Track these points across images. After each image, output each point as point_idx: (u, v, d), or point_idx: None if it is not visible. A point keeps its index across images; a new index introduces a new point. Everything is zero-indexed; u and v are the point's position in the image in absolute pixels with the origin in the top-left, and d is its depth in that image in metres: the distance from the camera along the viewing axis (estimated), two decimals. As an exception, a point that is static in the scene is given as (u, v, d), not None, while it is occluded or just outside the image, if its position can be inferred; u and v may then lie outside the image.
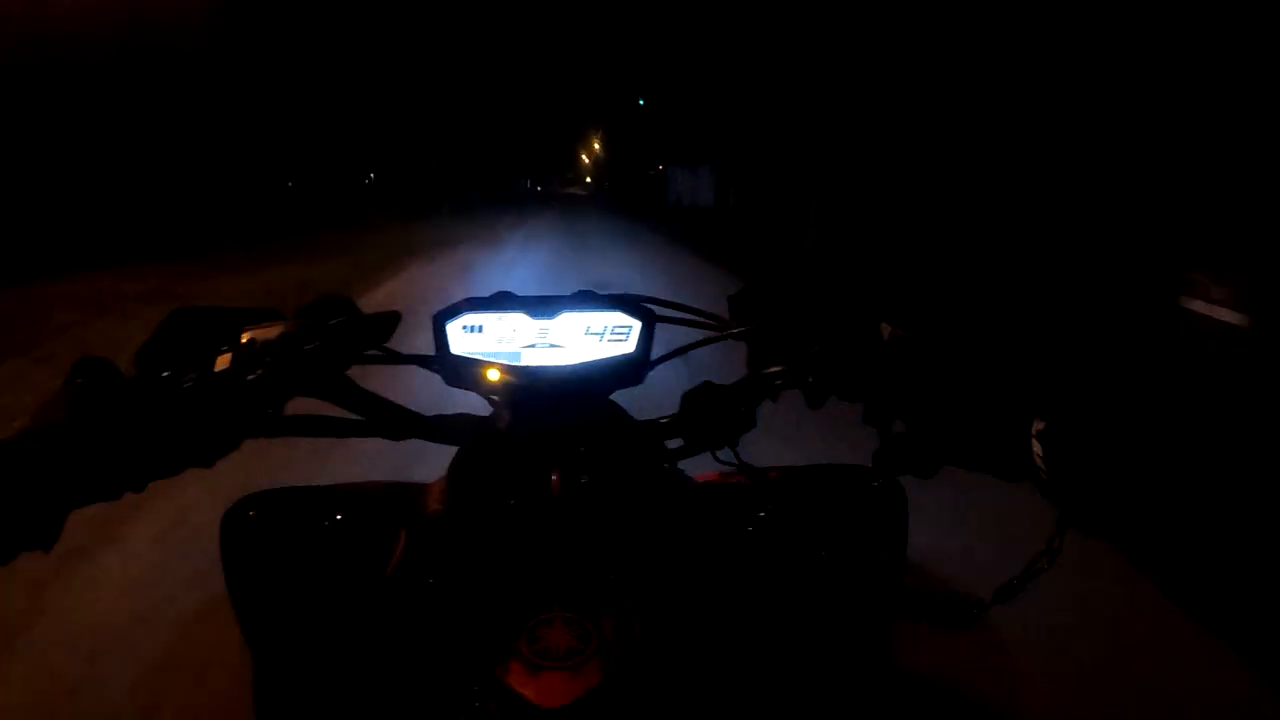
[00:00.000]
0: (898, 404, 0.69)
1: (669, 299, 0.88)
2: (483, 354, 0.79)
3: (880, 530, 0.81)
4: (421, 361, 0.83)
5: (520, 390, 0.78)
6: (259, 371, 0.66)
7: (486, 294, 0.81)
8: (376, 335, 0.80)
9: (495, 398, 0.82)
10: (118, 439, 0.56)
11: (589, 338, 0.80)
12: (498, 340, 0.80)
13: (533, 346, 0.80)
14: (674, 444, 0.83)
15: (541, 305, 0.80)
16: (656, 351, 0.83)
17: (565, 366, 0.79)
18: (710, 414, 0.78)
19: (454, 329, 0.79)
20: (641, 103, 46.31)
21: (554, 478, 0.72)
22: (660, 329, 0.84)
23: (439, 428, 0.83)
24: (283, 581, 0.74)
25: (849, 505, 0.81)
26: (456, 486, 0.77)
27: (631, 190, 51.27)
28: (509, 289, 0.82)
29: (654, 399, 0.96)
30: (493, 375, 0.78)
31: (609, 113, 73.67)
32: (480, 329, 0.80)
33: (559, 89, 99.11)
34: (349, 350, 0.76)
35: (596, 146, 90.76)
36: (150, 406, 0.59)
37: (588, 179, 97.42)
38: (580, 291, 0.82)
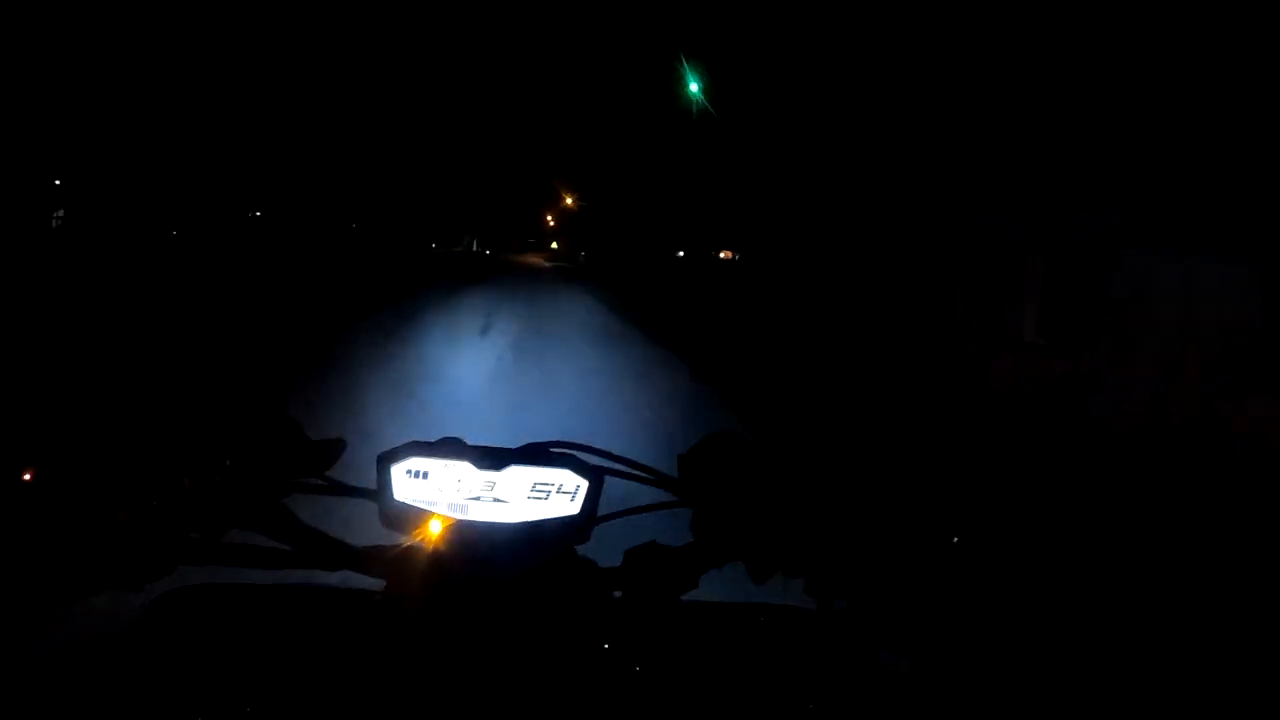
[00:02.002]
0: (840, 582, 0.76)
1: (618, 453, 0.86)
2: (425, 503, 0.79)
3: (821, 691, 0.80)
4: (364, 494, 0.82)
5: (462, 542, 0.78)
6: (183, 503, 0.70)
7: (433, 439, 0.82)
8: (317, 463, 0.83)
9: (436, 544, 0.80)
10: (39, 558, 0.65)
11: (535, 494, 0.80)
12: (440, 489, 0.80)
13: (477, 499, 0.80)
14: (616, 594, 0.83)
15: (488, 457, 0.80)
16: (607, 499, 0.83)
17: (509, 525, 0.79)
18: (653, 574, 0.81)
19: (398, 472, 0.80)
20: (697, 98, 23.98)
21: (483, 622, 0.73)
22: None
23: (374, 559, 0.81)
24: (202, 681, 0.72)
25: (793, 644, 0.83)
26: (386, 619, 0.77)
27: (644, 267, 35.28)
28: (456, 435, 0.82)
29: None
30: (434, 528, 0.78)
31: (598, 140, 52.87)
32: (425, 475, 0.80)
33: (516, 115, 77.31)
34: (283, 480, 0.80)
35: (568, 203, 68.47)
36: (72, 530, 0.66)
37: (553, 245, 74.96)
38: (528, 445, 0.83)
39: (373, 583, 0.80)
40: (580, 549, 0.83)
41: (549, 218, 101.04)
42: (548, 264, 57.54)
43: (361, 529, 0.89)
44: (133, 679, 0.71)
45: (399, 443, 0.81)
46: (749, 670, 0.80)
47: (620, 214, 47.64)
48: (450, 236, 71.43)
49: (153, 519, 0.69)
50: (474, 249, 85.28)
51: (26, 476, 0.68)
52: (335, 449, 0.84)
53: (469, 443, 0.83)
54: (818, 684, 0.79)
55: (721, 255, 34.13)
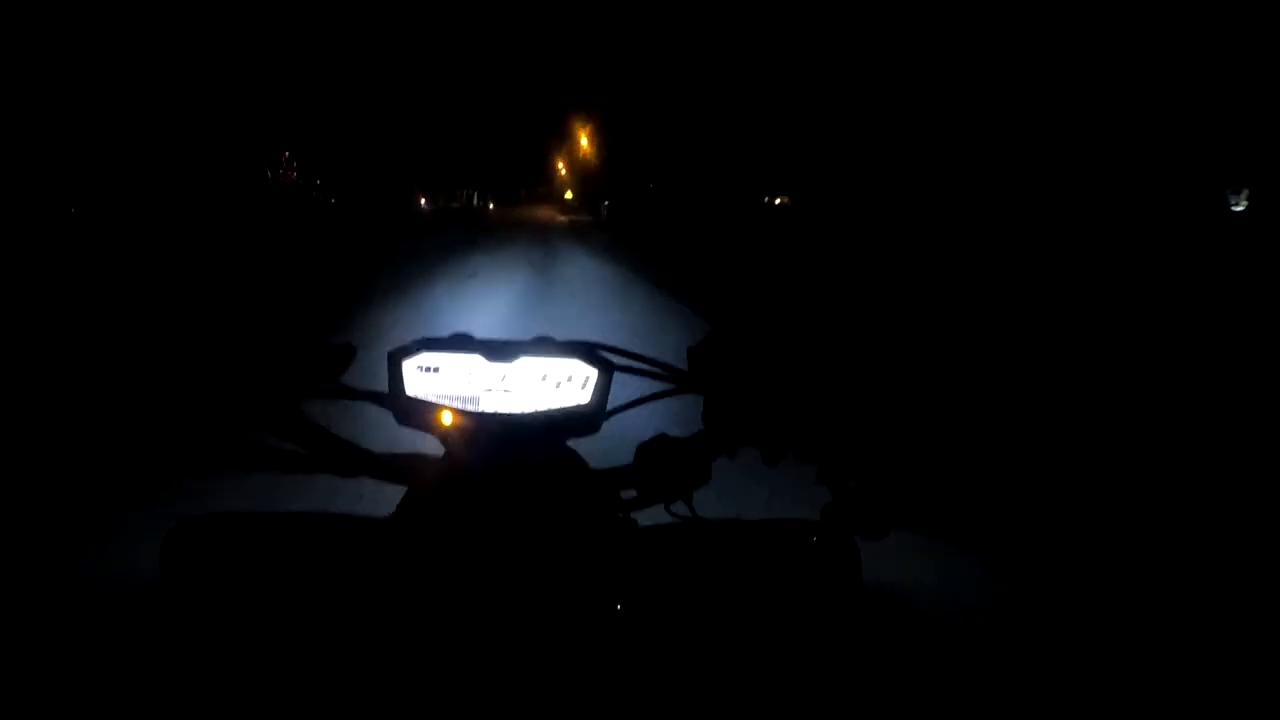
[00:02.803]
0: (852, 464, 0.77)
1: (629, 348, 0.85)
2: (437, 397, 0.79)
3: (830, 586, 0.81)
4: (375, 398, 0.82)
5: (474, 436, 0.78)
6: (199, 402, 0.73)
7: (444, 334, 0.82)
8: (329, 368, 0.83)
9: (448, 441, 0.80)
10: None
11: (545, 385, 0.80)
12: (453, 383, 0.80)
13: (489, 391, 0.80)
14: (628, 494, 0.83)
15: (499, 349, 0.80)
16: (615, 399, 0.82)
17: (521, 414, 0.79)
18: (664, 468, 0.81)
19: (409, 368, 0.79)
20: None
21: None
22: (623, 377, 0.84)
23: (389, 466, 0.82)
24: (222, 610, 0.74)
25: (799, 561, 0.82)
26: (405, 528, 0.76)
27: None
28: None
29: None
30: (446, 419, 0.78)
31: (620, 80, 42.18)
32: (436, 370, 0.80)
33: (524, 59, 66.09)
34: (296, 384, 0.81)
35: (584, 144, 57.27)
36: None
37: (567, 194, 64.05)
38: (539, 337, 0.82)
39: (392, 491, 0.79)
40: (593, 443, 0.80)
41: (560, 164, 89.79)
42: (562, 218, 46.71)
43: (376, 437, 0.86)
44: (152, 618, 0.71)
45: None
46: (754, 581, 0.78)
47: (649, 155, 37.05)
48: (446, 190, 60.82)
49: (168, 424, 0.73)
50: (474, 203, 74.30)
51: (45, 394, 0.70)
52: (346, 354, 0.84)
53: (479, 337, 0.81)
54: (818, 600, 0.78)
55: (777, 201, 27.94)
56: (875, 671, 0.71)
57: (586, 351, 0.81)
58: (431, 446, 0.82)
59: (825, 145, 19.00)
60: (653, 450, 0.81)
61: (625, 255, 17.46)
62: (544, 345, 0.81)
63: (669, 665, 0.72)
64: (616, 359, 0.84)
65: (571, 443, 0.83)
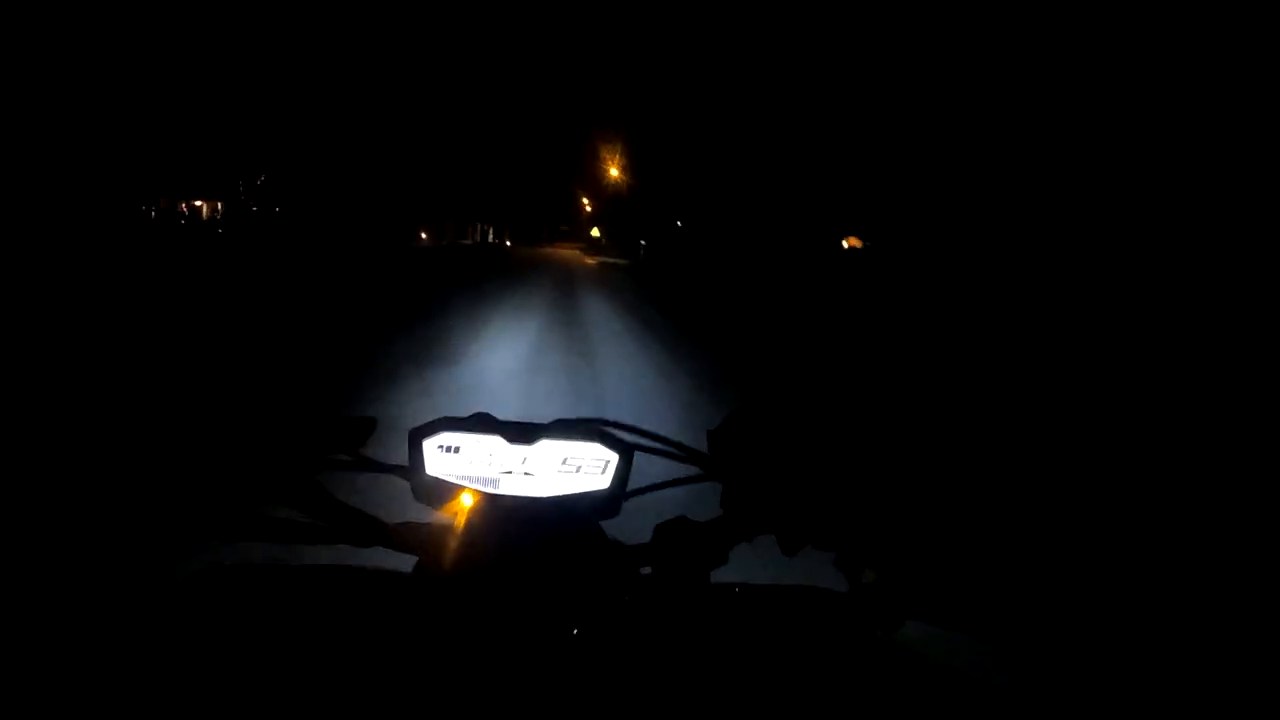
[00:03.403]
0: (870, 555, 0.76)
1: (650, 429, 0.89)
2: (457, 477, 0.81)
3: (848, 669, 0.77)
4: (396, 471, 0.84)
5: (493, 517, 0.78)
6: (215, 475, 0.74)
7: (465, 414, 0.85)
8: (349, 440, 0.84)
9: (467, 521, 0.80)
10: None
11: (565, 469, 0.82)
12: (473, 463, 0.81)
13: (509, 474, 0.81)
14: (645, 570, 0.83)
15: (519, 432, 0.82)
16: (636, 480, 0.84)
17: (540, 499, 0.80)
18: (683, 549, 0.80)
19: (430, 447, 0.81)
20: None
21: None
22: (645, 458, 0.87)
23: (406, 536, 0.81)
24: (231, 661, 0.73)
25: (820, 640, 0.81)
26: (418, 596, 0.77)
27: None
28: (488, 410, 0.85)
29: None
30: (466, 500, 0.80)
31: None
32: (457, 450, 0.81)
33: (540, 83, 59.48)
34: (315, 456, 0.83)
35: (613, 172, 49.63)
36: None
37: (594, 232, 56.36)
38: (559, 420, 0.84)
39: (404, 560, 0.79)
40: (611, 525, 0.81)
41: (585, 200, 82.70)
42: (589, 261, 38.70)
43: (394, 508, 0.87)
44: (163, 657, 0.71)
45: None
46: (776, 650, 0.77)
47: (689, 184, 29.44)
48: (456, 224, 53.50)
49: (186, 494, 0.73)
50: (490, 240, 66.91)
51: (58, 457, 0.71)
52: (367, 427, 0.85)
53: (500, 418, 0.84)
54: (843, 664, 0.77)
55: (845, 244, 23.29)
56: None
57: (606, 435, 0.82)
58: (448, 521, 0.82)
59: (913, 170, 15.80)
60: (672, 531, 0.81)
61: (687, 329, 11.54)
62: (564, 428, 0.83)
63: None
64: (635, 438, 0.86)
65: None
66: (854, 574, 0.76)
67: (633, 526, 0.84)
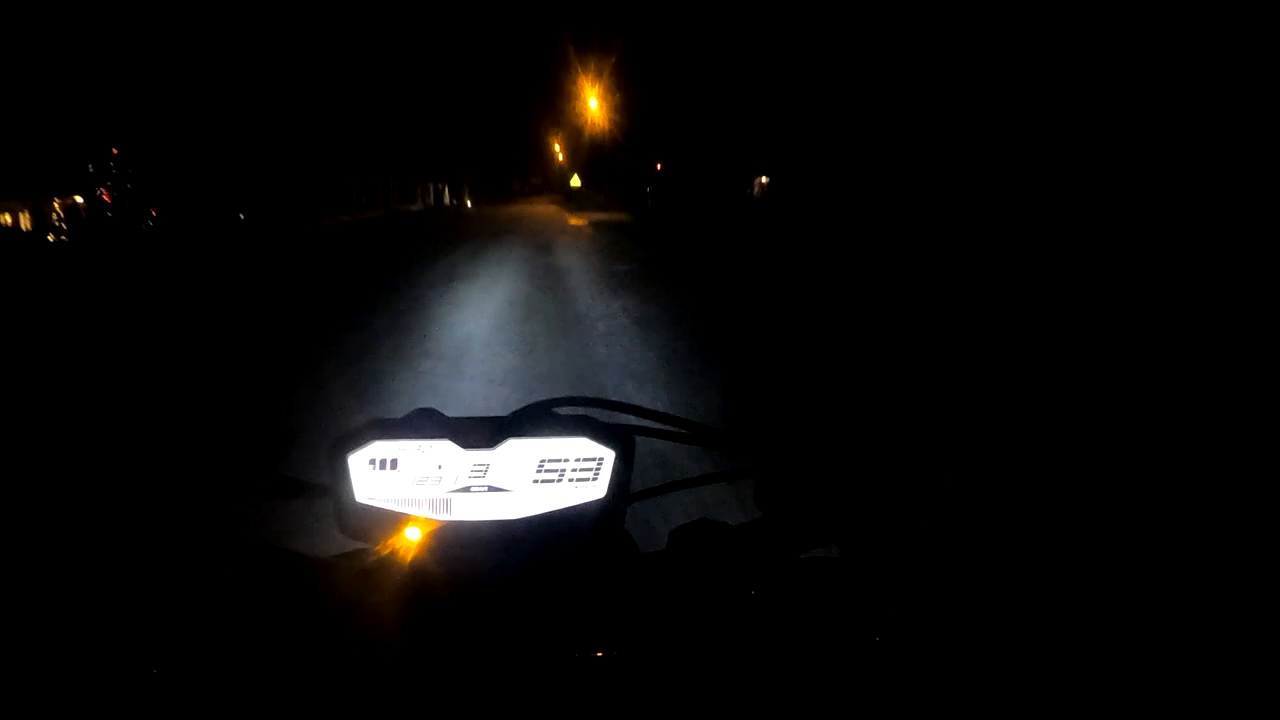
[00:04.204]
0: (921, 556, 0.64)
1: (647, 406, 0.72)
2: (397, 502, 0.61)
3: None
4: (318, 492, 0.67)
5: (449, 553, 0.61)
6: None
7: (400, 413, 0.63)
8: (263, 458, 0.70)
9: (417, 561, 0.61)
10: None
11: (544, 476, 0.62)
12: (417, 481, 0.61)
13: (466, 491, 0.61)
14: (657, 589, 0.65)
15: (476, 432, 0.61)
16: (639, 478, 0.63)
17: (511, 522, 0.61)
18: (705, 559, 0.64)
19: (358, 464, 0.61)
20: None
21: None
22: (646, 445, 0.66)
23: (337, 578, 0.63)
24: None
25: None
26: (357, 657, 0.57)
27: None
28: (429, 404, 0.65)
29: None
30: (411, 534, 0.61)
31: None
32: (394, 464, 0.61)
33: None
34: (220, 480, 0.68)
35: (593, 105, 38.89)
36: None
37: (574, 181, 45.66)
38: (527, 407, 0.65)
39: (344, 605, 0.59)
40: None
41: (556, 145, 71.05)
42: (576, 221, 28.03)
43: (325, 530, 0.66)
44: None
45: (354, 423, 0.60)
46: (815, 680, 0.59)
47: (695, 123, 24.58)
48: (403, 187, 42.45)
49: (73, 545, 0.59)
50: (446, 201, 55.50)
51: None
52: (285, 439, 0.71)
53: (448, 415, 0.63)
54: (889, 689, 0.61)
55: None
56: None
57: (593, 425, 0.62)
58: (394, 561, 0.62)
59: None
60: (691, 538, 0.64)
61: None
62: (535, 419, 0.62)
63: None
64: (633, 419, 0.67)
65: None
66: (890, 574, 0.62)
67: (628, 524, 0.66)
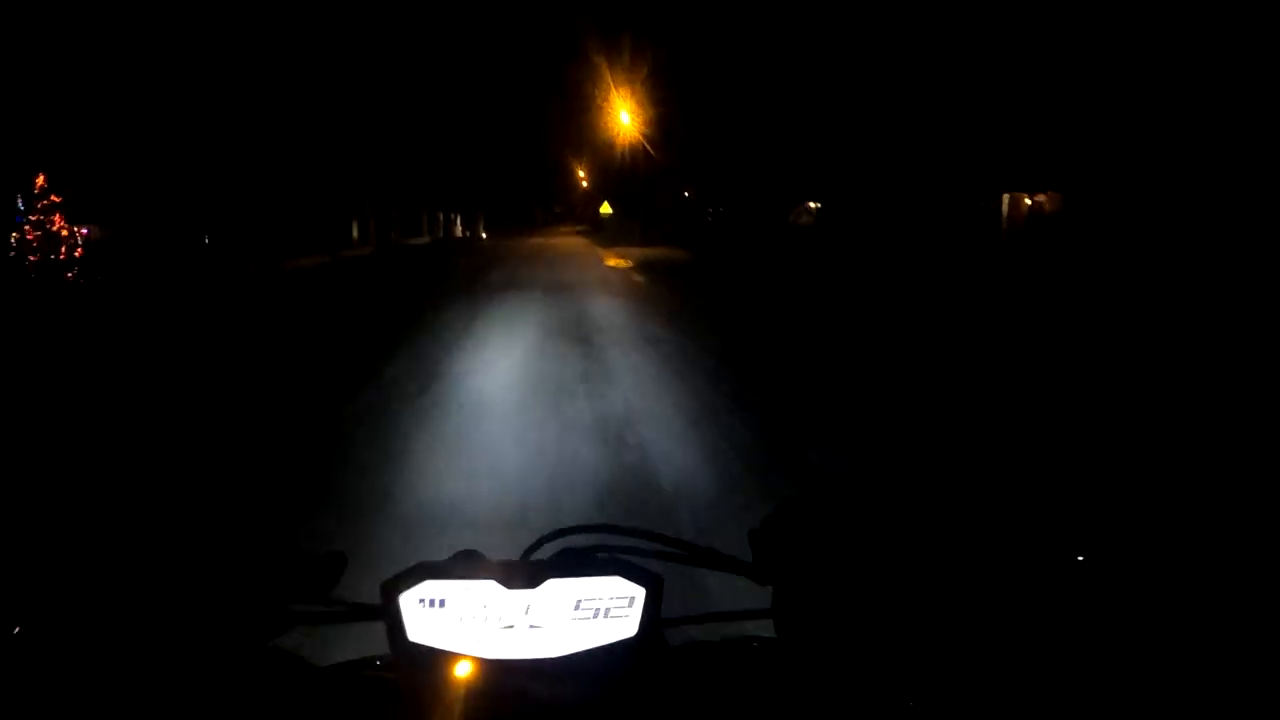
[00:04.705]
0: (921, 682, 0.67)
1: (677, 534, 0.76)
2: (446, 642, 0.66)
3: None
4: (374, 617, 0.70)
5: (496, 691, 0.65)
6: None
7: (446, 553, 0.72)
8: (314, 583, 0.73)
9: (466, 694, 0.66)
10: None
11: (581, 615, 0.66)
12: (463, 619, 0.66)
13: (511, 628, 0.66)
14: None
15: (517, 573, 0.67)
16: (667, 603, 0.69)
17: (551, 660, 0.66)
18: (737, 693, 0.69)
19: (408, 603, 0.65)
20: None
21: None
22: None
23: (390, 699, 0.70)
24: None
25: None
26: None
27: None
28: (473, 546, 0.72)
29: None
30: (461, 671, 0.65)
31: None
32: (442, 603, 0.66)
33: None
34: (274, 610, 0.71)
35: (624, 121, 32.74)
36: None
37: (604, 209, 39.57)
38: (564, 551, 0.71)
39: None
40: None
41: (580, 170, 65.22)
42: (612, 264, 21.74)
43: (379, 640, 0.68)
44: None
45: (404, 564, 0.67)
46: None
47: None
48: (402, 215, 36.46)
49: (128, 679, 0.62)
50: (458, 234, 49.47)
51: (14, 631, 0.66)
52: (336, 565, 0.74)
53: (491, 557, 0.71)
54: None
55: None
56: None
57: (624, 565, 0.67)
58: (444, 693, 0.67)
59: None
60: (727, 660, 0.71)
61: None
62: (573, 561, 0.69)
63: None
64: (664, 548, 0.74)
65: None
66: (897, 701, 0.65)
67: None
